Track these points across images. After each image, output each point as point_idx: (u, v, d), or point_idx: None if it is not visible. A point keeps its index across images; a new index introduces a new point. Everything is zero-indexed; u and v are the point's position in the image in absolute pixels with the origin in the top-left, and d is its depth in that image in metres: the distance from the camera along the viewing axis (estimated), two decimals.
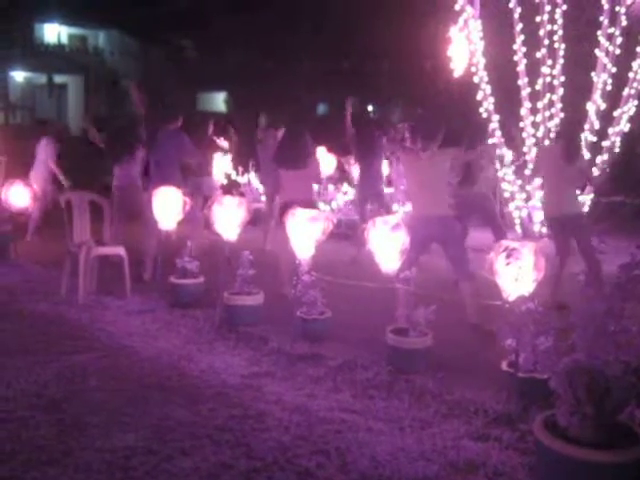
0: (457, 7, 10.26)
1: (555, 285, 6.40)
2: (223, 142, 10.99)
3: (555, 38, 10.13)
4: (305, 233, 6.06)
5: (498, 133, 10.40)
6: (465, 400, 4.53)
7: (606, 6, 9.93)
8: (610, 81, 10.09)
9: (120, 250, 7.13)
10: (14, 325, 6.13)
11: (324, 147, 11.28)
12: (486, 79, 10.41)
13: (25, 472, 3.57)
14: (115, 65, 36.38)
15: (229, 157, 11.32)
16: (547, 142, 9.90)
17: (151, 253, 7.83)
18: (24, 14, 31.29)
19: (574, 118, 7.97)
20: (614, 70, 10.06)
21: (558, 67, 10.19)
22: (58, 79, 34.32)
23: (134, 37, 36.37)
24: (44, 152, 10.20)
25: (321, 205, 10.63)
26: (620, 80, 10.08)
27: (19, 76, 33.31)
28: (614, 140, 10.31)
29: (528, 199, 10.22)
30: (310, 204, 6.86)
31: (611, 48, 10.03)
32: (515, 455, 3.78)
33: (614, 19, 9.97)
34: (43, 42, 35.78)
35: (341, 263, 8.62)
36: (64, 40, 36.91)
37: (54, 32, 36.38)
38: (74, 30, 37.27)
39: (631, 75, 10.05)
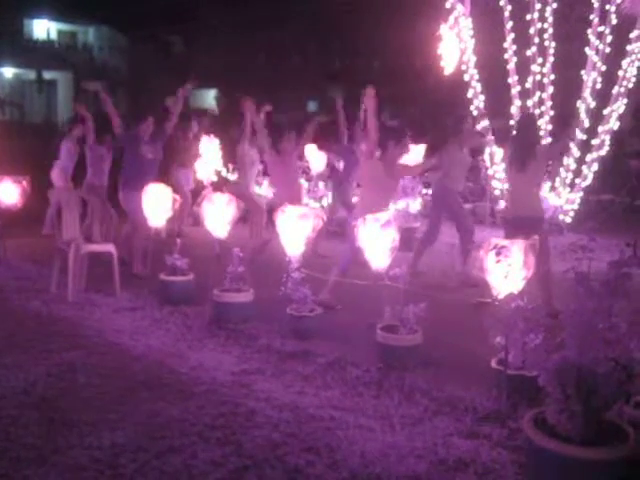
0: (448, 5, 10.29)
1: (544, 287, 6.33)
2: (214, 139, 11.00)
3: (545, 36, 10.17)
4: (295, 230, 6.06)
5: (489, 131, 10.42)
6: (455, 397, 4.53)
7: (596, 4, 9.98)
8: (600, 79, 10.13)
9: (110, 247, 7.11)
10: (3, 323, 6.11)
11: (315, 144, 11.26)
12: (476, 77, 10.43)
13: (15, 470, 3.56)
14: (104, 61, 36.23)
15: (219, 154, 11.32)
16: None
17: (141, 248, 7.83)
18: (13, 9, 31.11)
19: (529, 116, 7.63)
20: (604, 68, 10.09)
21: (548, 65, 10.24)
22: (47, 75, 34.13)
23: (123, 33, 36.25)
24: None
25: (311, 202, 10.62)
26: (610, 78, 10.13)
27: (8, 72, 33.13)
28: (604, 138, 10.35)
29: None
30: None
31: (601, 46, 10.07)
32: (504, 452, 3.79)
33: (604, 17, 10.01)
34: (32, 38, 35.59)
35: (331, 260, 8.60)
36: (53, 36, 36.75)
37: (43, 28, 36.20)
38: (63, 26, 37.10)
39: (621, 73, 10.09)
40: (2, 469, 3.56)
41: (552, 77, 10.18)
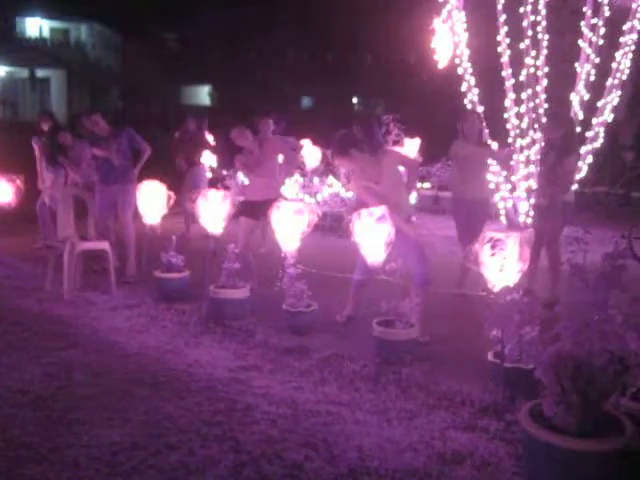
0: None
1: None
2: (209, 136, 10.97)
3: (539, 29, 10.14)
4: (290, 226, 6.05)
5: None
6: (452, 391, 4.54)
7: None
8: (594, 72, 10.12)
9: (105, 245, 7.09)
10: None
11: (309, 139, 11.24)
12: (470, 70, 10.42)
13: (12, 470, 3.55)
14: (97, 58, 36.17)
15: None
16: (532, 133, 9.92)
17: (133, 248, 7.79)
18: (5, 8, 31.01)
19: None
20: (597, 61, 10.09)
21: (542, 58, 10.21)
22: (40, 73, 34.07)
23: (116, 30, 36.16)
24: None
25: (306, 198, 10.61)
26: (603, 71, 10.11)
27: (1, 71, 33.04)
28: (598, 130, 10.35)
29: (513, 190, 10.24)
30: None
31: (594, 39, 10.05)
32: (502, 445, 3.80)
33: (597, 10, 9.99)
34: (25, 36, 35.52)
35: (326, 255, 8.61)
36: (46, 34, 36.66)
37: (36, 26, 36.12)
38: (56, 24, 37.01)
39: (614, 65, 10.08)
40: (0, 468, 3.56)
41: (546, 70, 10.16)
